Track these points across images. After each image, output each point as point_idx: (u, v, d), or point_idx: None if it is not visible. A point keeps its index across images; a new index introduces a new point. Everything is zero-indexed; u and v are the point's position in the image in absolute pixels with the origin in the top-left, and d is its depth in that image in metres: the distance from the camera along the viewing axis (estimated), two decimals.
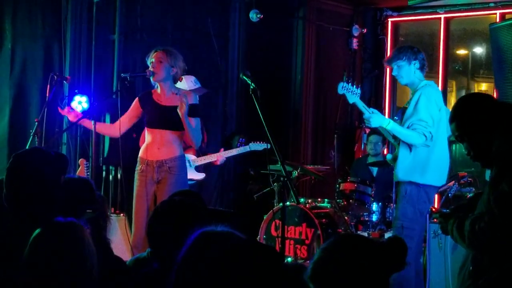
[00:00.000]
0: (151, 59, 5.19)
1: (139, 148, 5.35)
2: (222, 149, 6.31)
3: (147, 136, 5.26)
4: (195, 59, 7.05)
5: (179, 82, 5.45)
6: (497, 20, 7.72)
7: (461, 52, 8.91)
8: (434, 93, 5.06)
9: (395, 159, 5.14)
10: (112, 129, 5.41)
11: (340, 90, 5.04)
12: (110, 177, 6.59)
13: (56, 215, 2.60)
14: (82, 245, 2.47)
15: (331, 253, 2.05)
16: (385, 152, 7.69)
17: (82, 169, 5.66)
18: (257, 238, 6.40)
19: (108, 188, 6.56)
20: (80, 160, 5.83)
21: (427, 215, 5.18)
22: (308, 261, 5.22)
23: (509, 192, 2.79)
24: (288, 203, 6.07)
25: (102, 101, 5.92)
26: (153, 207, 4.44)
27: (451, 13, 8.41)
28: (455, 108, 3.10)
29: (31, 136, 5.21)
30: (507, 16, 7.68)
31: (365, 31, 8.81)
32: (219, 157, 6.22)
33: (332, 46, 8.68)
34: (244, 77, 4.72)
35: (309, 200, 6.86)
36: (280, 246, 4.63)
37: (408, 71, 5.14)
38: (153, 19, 7.04)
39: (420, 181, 4.98)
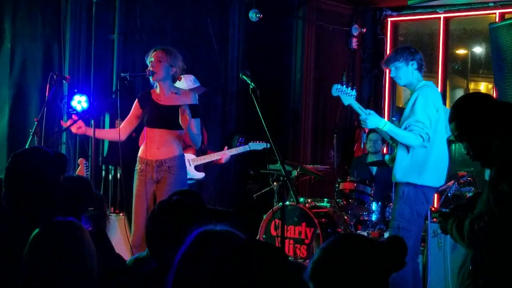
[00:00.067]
0: (150, 59, 5.19)
1: (138, 148, 5.35)
2: (226, 147, 6.31)
3: (147, 135, 5.26)
4: (195, 59, 7.04)
5: (178, 81, 5.45)
6: (497, 19, 7.72)
7: (461, 52, 8.91)
8: (431, 94, 5.04)
9: (393, 159, 5.13)
10: (113, 133, 5.42)
11: (335, 92, 5.03)
12: (110, 176, 6.59)
13: (56, 215, 2.60)
14: (82, 245, 2.46)
15: (331, 253, 2.05)
16: (384, 150, 7.69)
17: (81, 169, 5.66)
18: (257, 238, 6.40)
19: (108, 188, 6.56)
20: (79, 159, 5.82)
21: (428, 215, 5.18)
22: (307, 261, 5.23)
23: (509, 192, 2.79)
24: (287, 202, 6.07)
25: (101, 101, 5.93)
26: (153, 207, 4.44)
27: (451, 13, 8.41)
28: (455, 107, 3.10)
29: (31, 136, 5.21)
30: (507, 16, 7.68)
31: (364, 30, 8.81)
32: (224, 155, 6.22)
33: (331, 46, 8.68)
34: (243, 76, 4.71)
35: (309, 200, 6.86)
36: (279, 245, 4.63)
37: (406, 72, 5.12)
38: (152, 19, 7.04)
39: (418, 182, 4.96)
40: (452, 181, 6.15)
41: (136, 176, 5.23)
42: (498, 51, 5.87)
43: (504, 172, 2.84)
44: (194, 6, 7.42)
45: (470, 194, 5.76)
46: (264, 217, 6.50)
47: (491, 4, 8.02)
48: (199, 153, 6.18)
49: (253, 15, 7.53)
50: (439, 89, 7.44)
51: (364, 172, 7.25)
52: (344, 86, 4.99)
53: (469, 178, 6.29)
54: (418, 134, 4.90)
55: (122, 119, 5.39)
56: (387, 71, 8.43)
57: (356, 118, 8.68)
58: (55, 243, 2.44)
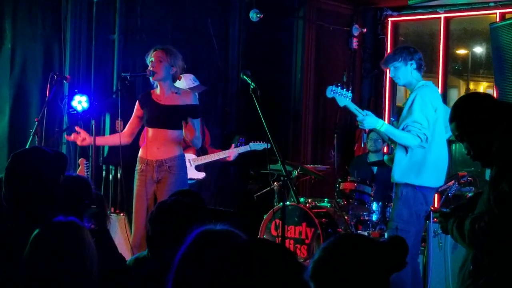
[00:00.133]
0: (150, 58, 5.18)
1: (138, 148, 5.35)
2: (233, 145, 6.32)
3: (147, 135, 5.25)
4: (195, 60, 7.05)
5: (178, 80, 5.45)
6: (497, 19, 7.72)
7: (461, 51, 8.90)
8: (429, 94, 5.00)
9: (391, 160, 5.12)
10: (114, 139, 5.41)
11: (329, 94, 5.01)
12: (110, 176, 6.59)
13: (56, 214, 2.60)
14: (82, 245, 2.46)
15: (332, 253, 2.04)
16: (385, 149, 7.69)
17: (82, 169, 5.66)
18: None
19: (108, 188, 6.56)
20: (80, 159, 5.82)
21: (430, 216, 5.17)
22: (308, 261, 5.22)
23: (509, 192, 2.79)
24: (288, 202, 6.07)
25: (102, 101, 5.93)
26: (153, 207, 4.44)
27: (451, 13, 8.41)
28: (455, 107, 3.10)
29: (31, 136, 5.21)
30: (507, 16, 7.68)
31: (365, 30, 8.80)
32: (232, 153, 6.23)
33: (332, 46, 8.67)
34: (244, 76, 4.71)
35: (309, 200, 6.86)
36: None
37: (404, 72, 5.10)
38: (153, 19, 7.03)
39: (416, 182, 4.93)
40: (453, 181, 6.15)
41: (136, 176, 5.23)
42: (499, 51, 5.87)
43: (505, 172, 2.84)
44: (194, 6, 7.42)
45: (471, 194, 5.77)
46: (264, 217, 6.50)
47: (492, 4, 8.02)
48: (199, 153, 6.18)
49: (254, 15, 7.53)
50: (439, 89, 7.45)
51: (365, 171, 7.24)
52: (339, 87, 4.96)
53: (470, 178, 6.28)
54: (416, 135, 4.87)
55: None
56: (388, 71, 8.47)
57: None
58: (55, 243, 2.44)
